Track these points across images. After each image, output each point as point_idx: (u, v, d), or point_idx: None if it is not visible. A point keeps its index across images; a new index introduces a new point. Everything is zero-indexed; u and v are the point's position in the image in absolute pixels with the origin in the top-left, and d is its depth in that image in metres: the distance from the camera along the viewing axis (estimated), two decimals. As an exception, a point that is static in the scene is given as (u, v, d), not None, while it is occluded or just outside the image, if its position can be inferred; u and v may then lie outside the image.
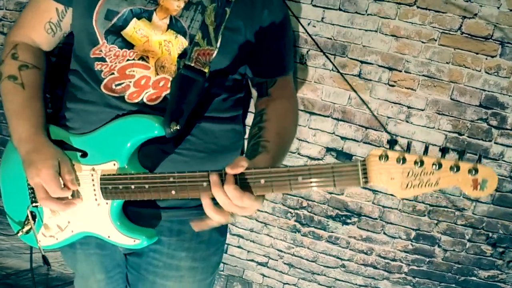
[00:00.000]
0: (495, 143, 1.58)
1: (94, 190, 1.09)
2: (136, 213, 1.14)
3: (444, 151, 0.80)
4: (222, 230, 1.29)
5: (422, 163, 0.80)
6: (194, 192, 0.98)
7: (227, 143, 1.22)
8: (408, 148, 0.82)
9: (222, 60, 1.11)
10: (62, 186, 1.05)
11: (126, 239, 1.10)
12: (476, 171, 0.77)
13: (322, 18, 1.61)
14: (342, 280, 1.96)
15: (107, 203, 1.09)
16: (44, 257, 1.23)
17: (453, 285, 1.87)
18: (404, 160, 0.81)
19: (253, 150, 1.05)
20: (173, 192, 1.00)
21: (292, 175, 0.90)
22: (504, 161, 1.60)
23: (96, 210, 1.10)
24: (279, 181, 0.91)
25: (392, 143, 0.84)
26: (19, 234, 1.18)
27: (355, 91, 1.65)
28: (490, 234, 1.75)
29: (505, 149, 1.59)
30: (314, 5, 1.61)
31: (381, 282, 1.93)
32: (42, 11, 1.16)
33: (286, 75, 1.23)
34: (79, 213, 1.12)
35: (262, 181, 0.92)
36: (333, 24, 1.61)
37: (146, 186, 1.02)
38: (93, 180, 1.08)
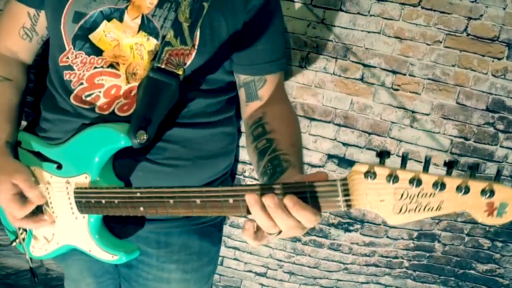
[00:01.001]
0: (500, 146, 1.57)
1: (70, 203, 1.05)
2: (120, 225, 1.09)
3: (450, 165, 0.64)
4: (214, 239, 1.24)
5: (419, 182, 0.64)
6: (162, 209, 0.90)
7: (215, 148, 1.14)
8: (403, 163, 0.66)
9: (203, 61, 1.02)
10: (23, 203, 1.01)
11: (105, 254, 1.07)
12: (492, 192, 0.61)
13: (323, 19, 1.51)
14: (344, 280, 1.94)
15: (84, 217, 1.05)
16: (31, 269, 1.23)
17: (452, 278, 1.91)
18: (396, 178, 0.65)
19: (277, 166, 0.94)
20: (141, 208, 0.93)
21: (257, 192, 0.75)
22: (507, 162, 1.60)
23: (75, 223, 1.07)
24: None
25: (384, 155, 0.68)
26: (13, 245, 1.19)
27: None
28: (487, 228, 1.77)
29: (509, 152, 1.59)
30: (314, 6, 1.50)
31: (382, 278, 1.93)
32: (14, 17, 1.10)
33: (276, 72, 1.12)
34: (61, 226, 1.10)
35: (231, 200, 0.80)
36: (334, 26, 1.51)
37: (116, 201, 0.96)
38: (68, 193, 1.04)
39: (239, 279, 2.01)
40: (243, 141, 1.69)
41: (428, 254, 1.85)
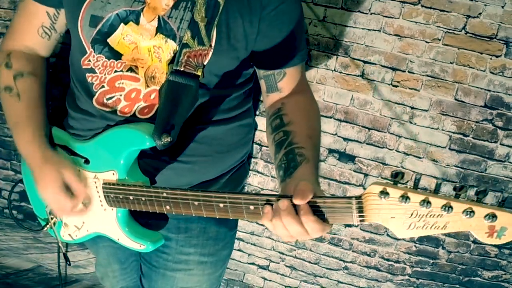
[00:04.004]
0: (501, 144, 1.56)
1: (99, 196, 1.09)
2: (145, 218, 1.14)
3: (459, 189, 0.69)
4: (231, 224, 1.29)
5: (429, 204, 0.70)
6: (186, 210, 0.96)
7: (234, 141, 1.18)
8: (415, 185, 0.72)
9: (221, 59, 1.02)
10: (71, 196, 1.04)
11: (133, 244, 1.12)
12: (495, 217, 0.67)
13: (324, 17, 1.59)
14: (344, 283, 1.94)
15: (112, 209, 1.09)
16: (64, 255, 1.28)
17: (457, 286, 1.85)
18: (408, 199, 0.71)
19: (291, 160, 0.95)
20: (168, 207, 0.99)
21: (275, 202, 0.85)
22: (510, 162, 1.58)
23: (104, 214, 1.11)
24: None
25: (398, 176, 0.74)
26: (44, 229, 1.23)
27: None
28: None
29: (511, 150, 1.57)
30: (316, 4, 1.58)
31: (384, 284, 1.90)
32: (32, 16, 1.10)
33: (295, 65, 1.09)
34: (91, 216, 1.14)
35: (252, 207, 0.88)
36: (335, 24, 1.59)
37: (143, 198, 1.01)
38: (96, 187, 1.08)
39: (242, 272, 2.05)
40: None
41: (432, 261, 1.82)
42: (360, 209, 0.77)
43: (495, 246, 1.74)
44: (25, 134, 1.06)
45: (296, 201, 0.80)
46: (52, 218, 1.21)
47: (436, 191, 0.71)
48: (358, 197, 0.77)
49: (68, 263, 1.32)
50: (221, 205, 0.91)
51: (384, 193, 0.73)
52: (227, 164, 1.19)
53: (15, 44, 1.13)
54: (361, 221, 0.79)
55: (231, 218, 0.93)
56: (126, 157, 1.03)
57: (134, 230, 1.12)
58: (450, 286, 1.86)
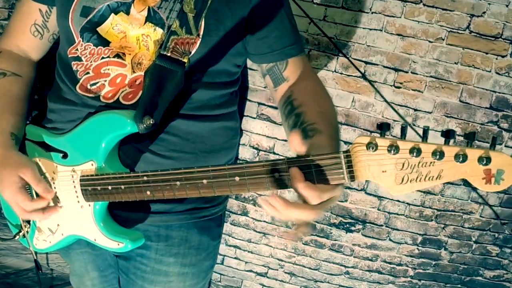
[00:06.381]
0: (505, 146, 1.53)
1: (76, 192, 1.06)
2: (122, 218, 1.10)
3: (448, 135, 0.65)
4: (213, 234, 1.25)
5: (419, 151, 0.66)
6: (169, 192, 0.91)
7: (218, 142, 1.15)
8: (403, 134, 0.68)
9: (207, 50, 1.03)
10: (34, 197, 1.04)
11: (111, 242, 1.07)
12: (489, 159, 0.63)
13: (324, 16, 1.52)
14: (346, 286, 1.90)
15: (89, 205, 1.06)
16: (35, 261, 1.25)
17: (459, 286, 1.85)
18: (397, 148, 0.67)
19: (305, 138, 0.91)
20: (148, 192, 0.94)
21: (267, 170, 0.78)
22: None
23: (80, 212, 1.07)
24: (253, 179, 0.80)
25: (384, 127, 0.70)
26: (16, 238, 1.19)
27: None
28: (496, 235, 1.71)
29: (516, 151, 1.55)
30: (316, 3, 1.51)
31: (386, 286, 1.88)
32: (26, 14, 1.12)
33: (297, 55, 1.11)
34: (66, 216, 1.10)
35: (237, 178, 0.82)
36: (336, 23, 1.52)
37: (122, 186, 0.97)
38: (73, 181, 1.05)
39: (239, 279, 1.99)
40: (243, 139, 1.70)
41: (434, 262, 1.80)
42: (349, 165, 0.73)
43: (496, 246, 1.73)
44: None
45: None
46: (25, 226, 1.17)
47: (423, 139, 0.67)
48: (346, 151, 0.73)
49: (40, 271, 1.30)
50: (205, 181, 0.85)
51: (371, 144, 0.69)
52: None
53: (8, 44, 1.15)
54: (351, 178, 0.73)
55: (215, 195, 0.86)
56: (107, 144, 1.01)
57: (111, 227, 1.08)
58: (452, 286, 1.84)
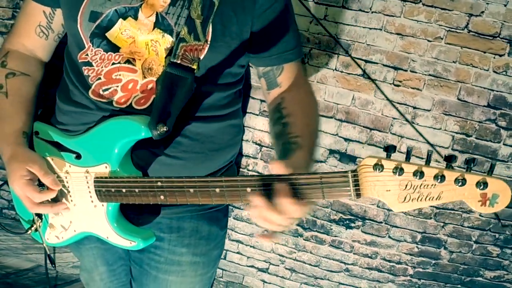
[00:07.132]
0: (504, 144, 1.54)
1: (90, 192, 1.08)
2: (135, 212, 1.14)
3: (449, 159, 0.71)
4: (221, 224, 1.30)
5: (422, 174, 0.72)
6: (182, 198, 0.96)
7: (224, 140, 1.19)
8: (407, 157, 0.73)
9: (215, 55, 1.06)
10: (41, 189, 1.06)
11: (123, 241, 1.10)
12: (486, 184, 0.69)
13: (325, 15, 1.56)
14: (346, 284, 1.91)
15: (103, 205, 1.09)
16: (49, 256, 1.27)
17: (459, 286, 1.84)
18: (401, 171, 0.73)
19: (285, 149, 0.99)
20: (162, 197, 0.98)
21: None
22: (513, 162, 1.57)
23: (93, 211, 1.10)
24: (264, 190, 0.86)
25: (390, 149, 0.75)
26: (28, 232, 1.21)
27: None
28: (497, 235, 1.71)
29: (514, 150, 1.56)
30: (316, 3, 1.56)
31: (385, 285, 1.89)
32: (30, 15, 1.14)
33: (292, 61, 1.15)
34: (79, 214, 1.13)
35: (248, 189, 0.88)
36: (336, 22, 1.56)
37: (136, 190, 1.01)
38: (87, 182, 1.08)
39: (241, 275, 2.02)
40: (246, 135, 1.74)
41: (434, 262, 1.80)
42: (356, 183, 0.78)
43: (496, 246, 1.73)
44: (3, 130, 1.08)
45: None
46: (37, 220, 1.19)
47: (427, 163, 0.73)
48: (353, 171, 0.78)
49: (53, 265, 1.31)
50: (218, 190, 0.91)
51: (378, 165, 0.74)
52: (217, 164, 1.20)
53: (15, 43, 1.17)
54: (357, 195, 0.79)
55: (227, 203, 0.93)
56: (121, 148, 1.03)
57: (124, 226, 1.11)
58: (452, 286, 1.84)
